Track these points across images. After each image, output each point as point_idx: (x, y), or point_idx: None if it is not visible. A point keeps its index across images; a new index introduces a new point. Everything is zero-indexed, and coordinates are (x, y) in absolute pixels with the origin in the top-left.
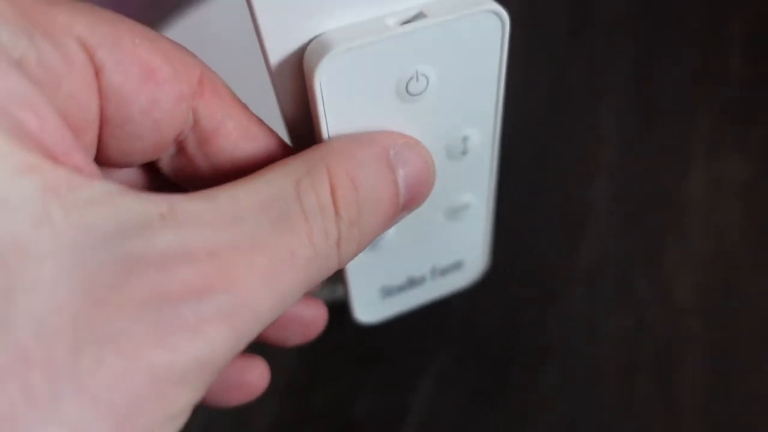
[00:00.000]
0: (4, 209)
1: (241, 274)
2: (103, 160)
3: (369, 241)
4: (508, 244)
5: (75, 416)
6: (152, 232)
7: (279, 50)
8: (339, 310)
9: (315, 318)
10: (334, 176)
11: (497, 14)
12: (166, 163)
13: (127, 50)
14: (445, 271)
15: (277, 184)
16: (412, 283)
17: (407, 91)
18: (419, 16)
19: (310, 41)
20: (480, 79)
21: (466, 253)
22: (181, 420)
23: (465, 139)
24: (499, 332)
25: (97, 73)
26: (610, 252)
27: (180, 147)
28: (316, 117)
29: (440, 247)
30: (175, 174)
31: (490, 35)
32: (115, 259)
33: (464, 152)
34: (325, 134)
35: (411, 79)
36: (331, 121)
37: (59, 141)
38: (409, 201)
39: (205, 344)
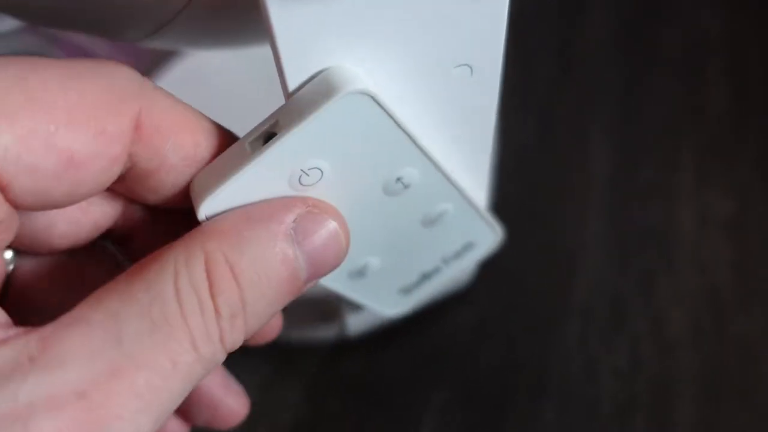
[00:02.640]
0: None
1: (114, 408)
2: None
3: (263, 323)
4: (502, 282)
5: None
6: (21, 378)
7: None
8: (344, 347)
9: (235, 410)
10: (212, 268)
11: (357, 93)
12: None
13: (39, 149)
14: (458, 254)
15: (156, 285)
16: (428, 275)
17: (302, 183)
18: (274, 127)
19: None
20: (382, 136)
21: (470, 236)
22: None
23: (399, 178)
24: (496, 370)
25: (4, 190)
26: (603, 288)
27: (118, 184)
28: None
29: (438, 245)
30: (127, 194)
31: (362, 110)
32: None
33: (407, 186)
34: None
35: (300, 176)
36: None
37: None
38: (314, 274)
39: None
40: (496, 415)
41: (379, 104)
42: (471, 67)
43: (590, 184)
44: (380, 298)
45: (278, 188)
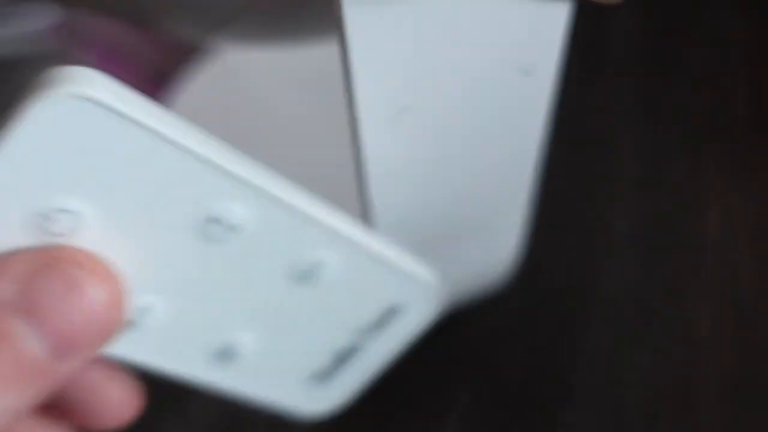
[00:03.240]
0: None
1: None
2: None
3: None
4: (527, 284)
5: None
6: None
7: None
8: None
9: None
10: None
11: (58, 98)
12: None
13: None
14: (380, 324)
15: None
16: (345, 355)
17: (51, 232)
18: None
19: None
20: (153, 159)
21: (388, 296)
22: None
23: (214, 219)
24: (520, 372)
25: None
26: (629, 290)
27: None
28: None
29: (338, 312)
30: None
31: (98, 125)
32: None
33: (234, 229)
34: None
35: (43, 221)
36: None
37: None
38: (67, 351)
39: None
40: (521, 417)
41: (120, 113)
42: (529, 70)
43: (615, 186)
44: (284, 391)
45: (10, 239)
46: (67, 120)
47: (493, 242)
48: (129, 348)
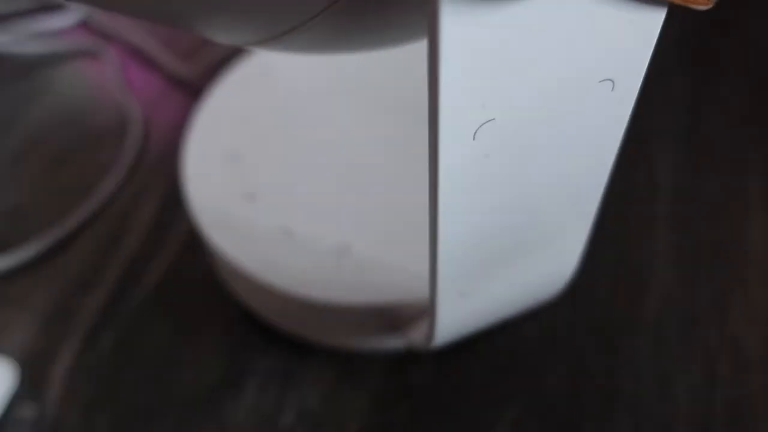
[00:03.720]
0: None
1: None
2: None
3: None
4: (569, 296)
5: None
6: None
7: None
8: (412, 356)
9: None
10: None
11: None
12: None
13: None
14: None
15: None
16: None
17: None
18: None
19: None
20: None
21: None
22: None
23: None
24: (567, 387)
25: None
26: (675, 303)
27: None
28: None
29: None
30: None
31: None
32: None
33: None
34: None
35: None
36: None
37: None
38: None
39: None
40: (570, 430)
41: None
42: (614, 82)
43: (656, 196)
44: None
45: None
46: None
47: (558, 255)
48: None
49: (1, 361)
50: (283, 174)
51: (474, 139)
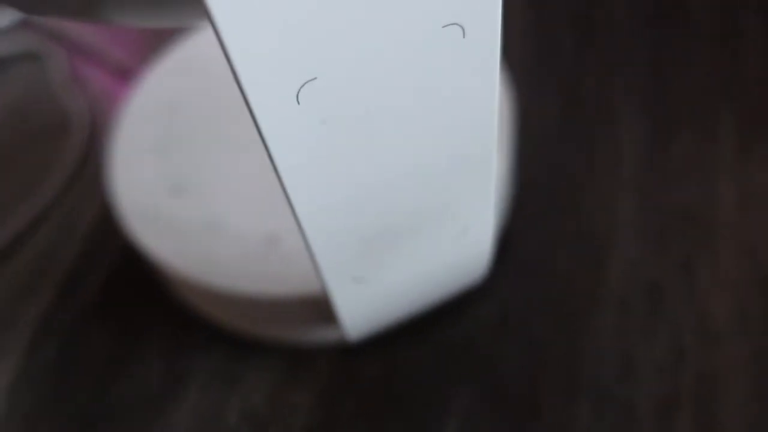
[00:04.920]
0: None
1: None
2: None
3: None
4: (526, 272)
5: None
6: None
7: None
8: (359, 347)
9: None
10: None
11: None
12: None
13: None
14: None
15: None
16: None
17: None
18: None
19: None
20: None
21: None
22: None
23: None
24: (524, 368)
25: None
26: (639, 275)
27: None
28: None
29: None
30: None
31: None
32: None
33: None
34: None
35: None
36: None
37: None
38: None
39: None
40: (526, 417)
41: None
42: (463, 27)
43: (620, 161)
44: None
45: None
46: None
47: (463, 236)
48: None
49: None
50: (212, 165)
51: (298, 102)
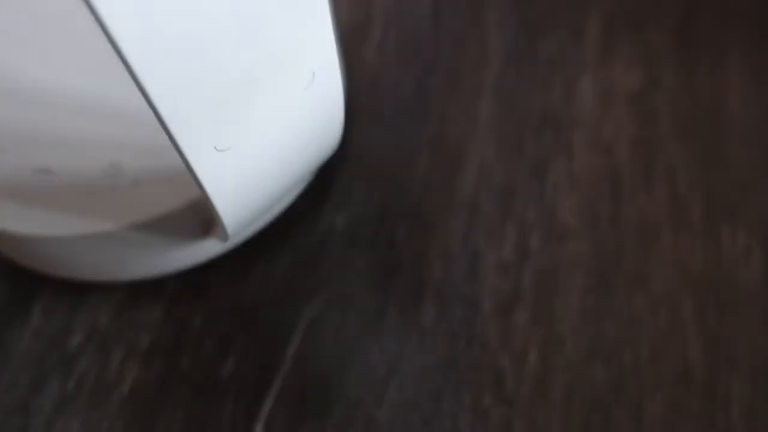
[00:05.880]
0: None
1: None
2: None
3: None
4: (380, 182)
5: None
6: None
7: None
8: (209, 263)
9: None
10: None
11: None
12: None
13: None
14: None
15: None
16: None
17: None
18: None
19: None
20: None
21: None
22: None
23: None
24: (372, 279)
25: None
26: (494, 179)
27: None
28: None
29: None
30: None
31: None
32: None
33: None
34: None
35: None
36: None
37: None
38: None
39: None
40: (370, 323)
41: None
42: None
43: (484, 63)
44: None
45: None
46: None
47: (312, 93)
48: None
49: None
50: (25, 114)
51: None
